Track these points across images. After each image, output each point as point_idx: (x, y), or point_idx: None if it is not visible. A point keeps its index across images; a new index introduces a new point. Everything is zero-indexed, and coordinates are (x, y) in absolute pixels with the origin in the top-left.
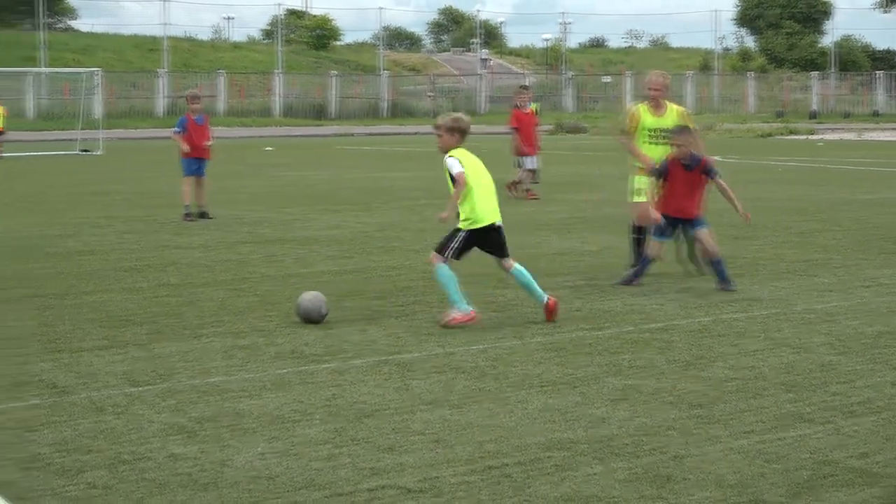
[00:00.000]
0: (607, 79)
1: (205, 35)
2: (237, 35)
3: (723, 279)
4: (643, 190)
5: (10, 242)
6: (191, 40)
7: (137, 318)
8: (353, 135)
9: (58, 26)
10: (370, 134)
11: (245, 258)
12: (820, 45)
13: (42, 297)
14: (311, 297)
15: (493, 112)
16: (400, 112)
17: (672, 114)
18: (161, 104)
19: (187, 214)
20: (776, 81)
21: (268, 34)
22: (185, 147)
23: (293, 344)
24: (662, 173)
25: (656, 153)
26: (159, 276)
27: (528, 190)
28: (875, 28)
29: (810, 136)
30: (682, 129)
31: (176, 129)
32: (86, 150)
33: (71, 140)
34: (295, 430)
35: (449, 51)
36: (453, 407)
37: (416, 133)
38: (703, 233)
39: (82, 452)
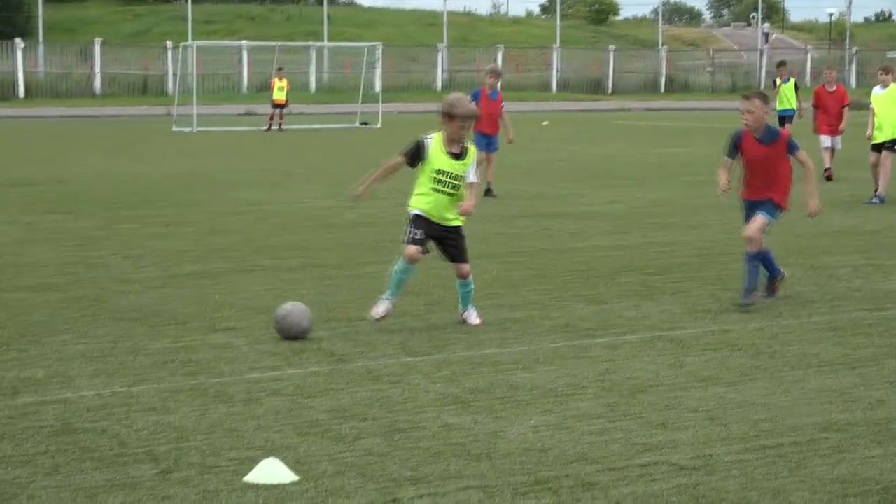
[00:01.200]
0: (892, 54)
1: (483, 10)
2: (515, 10)
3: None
4: None
5: (291, 213)
6: (470, 15)
7: (414, 289)
8: (629, 110)
9: (341, 1)
10: (647, 109)
11: (520, 232)
12: None
13: (321, 266)
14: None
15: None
16: (677, 87)
17: None
18: (439, 78)
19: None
20: None
21: (545, 9)
22: None
23: (567, 318)
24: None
25: None
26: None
27: (827, 169)
28: None
29: None
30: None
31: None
32: (365, 123)
33: (351, 113)
34: (568, 404)
35: (729, 25)
36: (728, 385)
37: (693, 109)
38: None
39: (359, 420)
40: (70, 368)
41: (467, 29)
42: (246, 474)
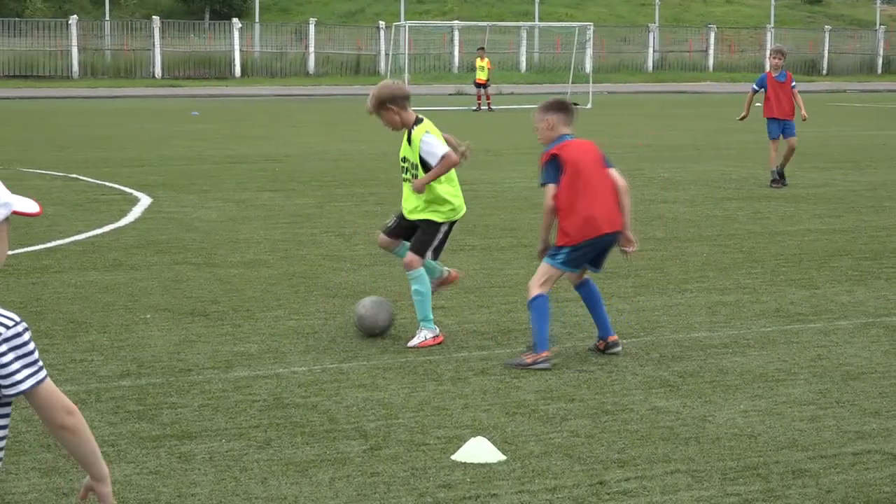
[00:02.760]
0: None
1: None
2: None
3: None
4: None
5: (500, 193)
6: None
7: (622, 271)
8: (845, 91)
9: None
10: (864, 91)
11: (731, 214)
12: None
13: (529, 247)
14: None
15: None
16: (895, 69)
17: None
18: (651, 59)
19: (773, 180)
20: None
21: None
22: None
23: (778, 302)
24: None
25: None
26: (644, 229)
27: None
28: None
29: None
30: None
31: (754, 86)
32: (576, 104)
33: (561, 93)
34: (778, 389)
35: None
36: None
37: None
38: None
39: (566, 401)
40: (282, 344)
41: (679, 9)
42: (454, 452)
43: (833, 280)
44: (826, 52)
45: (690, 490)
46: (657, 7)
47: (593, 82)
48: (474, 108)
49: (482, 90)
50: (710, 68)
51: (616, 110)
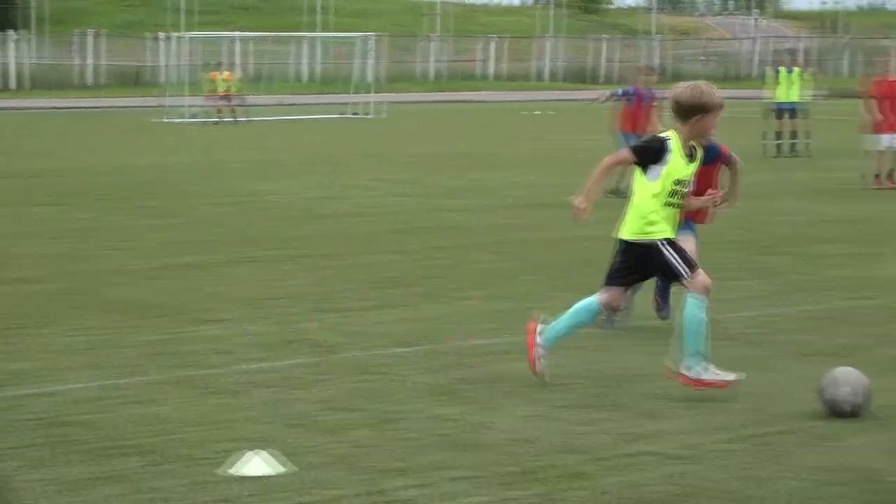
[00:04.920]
0: (886, 41)
1: None
2: None
3: None
4: None
5: (284, 204)
6: (464, 5)
7: (402, 280)
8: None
9: None
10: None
11: (511, 222)
12: None
13: (312, 257)
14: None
15: (760, 77)
16: (670, 77)
17: None
18: (432, 68)
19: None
20: None
21: None
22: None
23: (555, 308)
24: None
25: None
26: (427, 238)
27: (877, 176)
28: None
29: None
30: None
31: (619, 91)
32: (356, 114)
33: (344, 104)
34: (556, 394)
35: (722, 14)
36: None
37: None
38: None
39: (347, 411)
40: (58, 361)
41: (462, 19)
42: (233, 466)
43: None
44: (603, 61)
45: (469, 496)
46: (438, 18)
47: (376, 92)
48: (215, 120)
49: (227, 102)
50: (491, 77)
51: (400, 120)
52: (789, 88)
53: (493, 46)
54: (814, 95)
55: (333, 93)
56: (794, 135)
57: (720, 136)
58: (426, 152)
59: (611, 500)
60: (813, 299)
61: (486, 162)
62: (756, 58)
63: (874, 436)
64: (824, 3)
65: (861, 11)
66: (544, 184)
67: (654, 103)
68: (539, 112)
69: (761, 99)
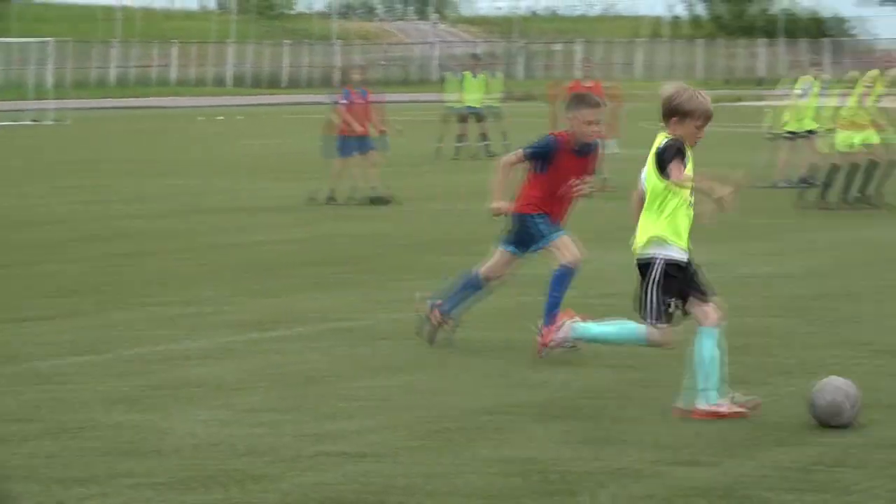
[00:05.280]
0: (557, 46)
1: (160, 3)
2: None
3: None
4: None
5: None
6: (145, 10)
7: (84, 288)
8: (303, 104)
9: None
10: (321, 102)
11: (193, 227)
12: (769, 12)
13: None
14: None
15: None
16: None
17: None
18: (113, 74)
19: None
20: (725, 48)
21: (221, 4)
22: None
23: (240, 313)
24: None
25: None
26: (107, 246)
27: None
28: None
29: (757, 103)
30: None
31: (340, 100)
32: (35, 121)
33: (23, 110)
34: (238, 398)
35: (403, 19)
36: (398, 373)
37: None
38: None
39: (25, 422)
40: None
41: (144, 24)
42: None
43: (294, 288)
44: (285, 65)
45: (151, 503)
46: (120, 23)
47: (57, 98)
48: None
49: None
50: (174, 82)
51: (83, 126)
52: (474, 92)
53: (175, 52)
54: (503, 98)
55: (10, 99)
56: (483, 137)
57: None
58: (107, 158)
59: (294, 500)
60: (491, 297)
61: (167, 167)
62: (436, 62)
63: (549, 427)
64: (499, 8)
65: (535, 17)
66: (228, 188)
67: (371, 102)
68: (222, 117)
69: (443, 102)
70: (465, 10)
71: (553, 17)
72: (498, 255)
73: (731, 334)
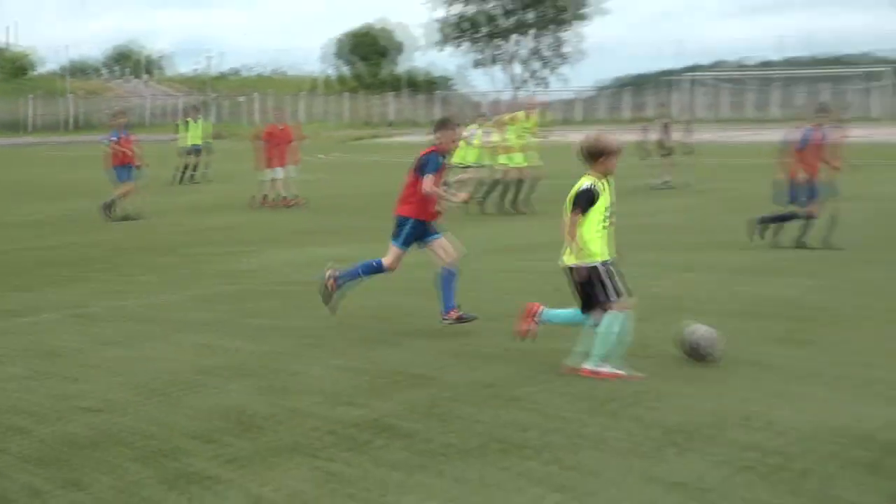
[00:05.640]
0: (241, 98)
1: None
2: None
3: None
4: None
5: None
6: None
7: None
8: (45, 144)
9: None
10: (59, 143)
11: None
12: (395, 73)
13: None
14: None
15: (154, 125)
16: (83, 125)
17: None
18: None
19: (128, 216)
20: (364, 99)
21: None
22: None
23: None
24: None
25: None
26: None
27: (284, 198)
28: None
29: (388, 139)
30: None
31: (111, 138)
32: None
33: None
34: (1, 369)
35: (122, 78)
36: (126, 346)
37: (98, 141)
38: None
39: None
40: None
41: None
42: None
43: (42, 283)
44: (31, 114)
45: None
46: None
47: None
48: None
49: None
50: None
51: None
52: (195, 133)
53: None
54: (214, 138)
55: None
56: (196, 167)
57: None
58: None
59: (48, 446)
60: (191, 286)
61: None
62: (148, 111)
63: (240, 382)
64: (195, 69)
65: (223, 76)
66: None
67: (132, 139)
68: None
69: (164, 142)
70: (169, 72)
71: (237, 76)
72: (392, 250)
73: (368, 309)
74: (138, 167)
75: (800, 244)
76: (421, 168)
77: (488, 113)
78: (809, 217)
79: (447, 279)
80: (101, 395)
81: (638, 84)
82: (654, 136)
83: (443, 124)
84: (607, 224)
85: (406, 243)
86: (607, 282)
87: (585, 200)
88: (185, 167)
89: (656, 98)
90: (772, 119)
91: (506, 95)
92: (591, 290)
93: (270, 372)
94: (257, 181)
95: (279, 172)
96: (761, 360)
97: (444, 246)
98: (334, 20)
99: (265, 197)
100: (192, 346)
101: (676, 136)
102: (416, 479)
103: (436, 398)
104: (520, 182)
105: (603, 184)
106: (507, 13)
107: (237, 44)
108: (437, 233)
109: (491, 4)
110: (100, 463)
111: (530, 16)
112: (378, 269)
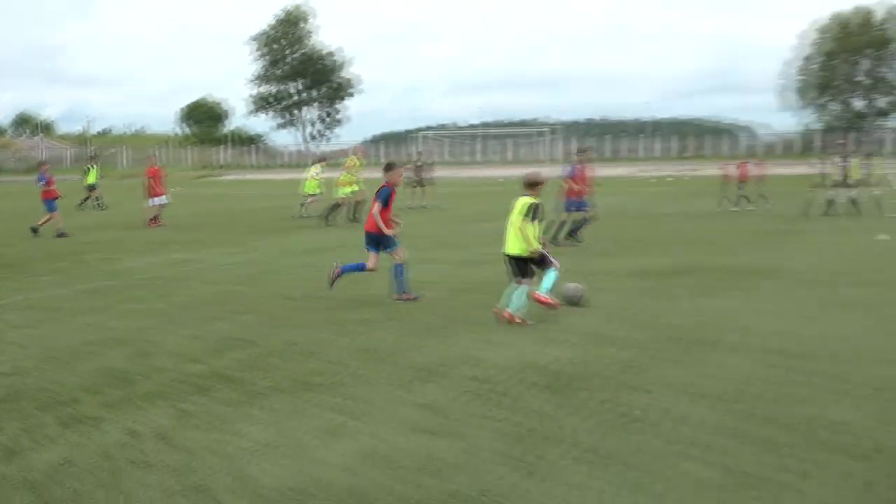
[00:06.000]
0: (113, 150)
1: None
2: None
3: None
4: None
5: None
6: None
7: None
8: None
9: None
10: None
11: None
12: (223, 131)
13: None
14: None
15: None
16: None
17: None
18: None
19: (61, 234)
20: (202, 150)
21: None
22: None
23: None
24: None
25: None
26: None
27: (154, 219)
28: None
29: (220, 178)
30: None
31: (41, 181)
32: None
33: None
34: None
35: (23, 136)
36: (32, 327)
37: (34, 182)
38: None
39: None
40: None
41: None
42: None
43: None
44: None
45: None
46: None
47: None
48: None
49: None
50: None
51: None
52: (94, 175)
53: None
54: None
55: None
56: (98, 198)
57: None
58: None
59: None
60: (82, 283)
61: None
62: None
63: (116, 351)
64: (79, 131)
65: (101, 134)
66: None
67: (52, 180)
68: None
69: (63, 181)
70: (60, 131)
71: (110, 134)
72: (372, 255)
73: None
74: (59, 198)
75: (554, 241)
76: (376, 198)
77: (328, 158)
78: (585, 221)
79: (398, 271)
80: (12, 363)
81: (388, 139)
82: (409, 173)
83: (389, 167)
84: (539, 225)
85: (368, 247)
86: (547, 258)
87: (534, 212)
88: (87, 198)
89: (404, 148)
90: (476, 162)
91: (301, 147)
92: (527, 266)
93: (139, 341)
94: (144, 207)
95: (164, 199)
96: (478, 320)
97: (398, 252)
98: (179, 94)
99: (155, 218)
100: (81, 326)
101: (425, 173)
102: (244, 411)
103: (257, 355)
104: (357, 203)
105: (538, 202)
106: (299, 92)
107: (109, 111)
108: (395, 244)
109: (289, 85)
110: (11, 412)
111: (314, 93)
112: (363, 268)
